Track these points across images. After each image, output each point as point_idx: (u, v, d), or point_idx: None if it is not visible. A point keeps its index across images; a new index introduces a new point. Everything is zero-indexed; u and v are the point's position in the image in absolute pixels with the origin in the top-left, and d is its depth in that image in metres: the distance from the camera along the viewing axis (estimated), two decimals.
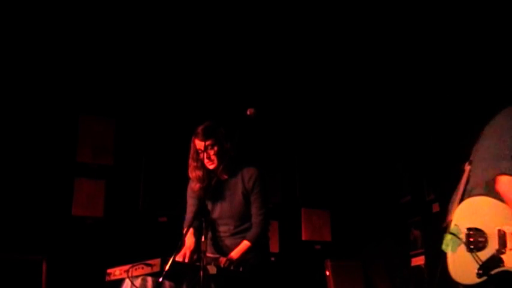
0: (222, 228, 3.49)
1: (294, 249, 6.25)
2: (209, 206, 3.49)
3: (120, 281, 3.14)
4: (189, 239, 3.37)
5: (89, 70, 5.55)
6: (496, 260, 2.65)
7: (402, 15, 5.01)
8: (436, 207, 5.82)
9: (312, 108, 6.33)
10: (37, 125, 5.34)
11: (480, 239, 2.70)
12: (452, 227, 2.82)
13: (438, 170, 5.77)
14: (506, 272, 2.63)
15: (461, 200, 2.90)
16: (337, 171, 6.59)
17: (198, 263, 2.95)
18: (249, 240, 3.37)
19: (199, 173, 3.44)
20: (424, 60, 5.49)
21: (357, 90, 6.12)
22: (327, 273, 6.13)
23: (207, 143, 3.35)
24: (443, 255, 2.87)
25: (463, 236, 2.75)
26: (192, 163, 3.47)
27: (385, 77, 5.89)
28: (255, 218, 3.44)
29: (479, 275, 2.68)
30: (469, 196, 2.86)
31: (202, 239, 2.93)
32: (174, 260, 2.79)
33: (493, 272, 2.65)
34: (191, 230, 3.40)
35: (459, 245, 2.76)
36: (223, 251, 3.43)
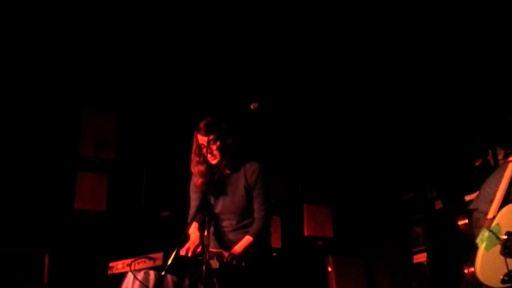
0: (224, 223, 3.49)
1: (296, 245, 6.25)
2: (212, 201, 3.50)
3: (123, 275, 3.14)
4: (194, 233, 3.38)
5: (92, 65, 5.54)
6: None
7: (411, 11, 4.99)
8: (438, 205, 5.83)
9: (315, 104, 6.32)
10: (40, 119, 5.35)
11: None
12: (493, 225, 2.78)
13: (441, 167, 5.78)
14: None
15: (506, 198, 2.86)
16: (340, 167, 6.59)
17: (200, 258, 2.95)
18: (251, 235, 3.37)
19: (201, 167, 3.45)
20: (427, 59, 5.48)
21: (360, 88, 6.11)
22: (329, 269, 6.15)
23: (210, 138, 3.36)
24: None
25: (502, 238, 2.72)
26: (194, 158, 3.48)
27: (388, 75, 5.87)
28: (257, 213, 3.44)
29: (503, 281, 2.65)
30: None
31: (205, 234, 2.94)
32: (176, 254, 2.79)
33: None
34: (195, 225, 3.41)
35: (495, 245, 2.72)
36: (226, 245, 3.43)
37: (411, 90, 5.96)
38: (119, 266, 3.16)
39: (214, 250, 3.36)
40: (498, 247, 2.71)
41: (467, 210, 3.36)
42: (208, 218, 3.04)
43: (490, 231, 2.76)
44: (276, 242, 5.92)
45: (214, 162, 3.41)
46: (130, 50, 5.50)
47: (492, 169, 4.99)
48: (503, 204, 2.91)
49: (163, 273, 2.78)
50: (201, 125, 3.42)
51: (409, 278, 6.09)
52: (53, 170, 5.31)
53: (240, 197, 3.46)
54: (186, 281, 3.07)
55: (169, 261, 2.75)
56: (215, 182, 3.39)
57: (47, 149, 5.32)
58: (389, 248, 6.35)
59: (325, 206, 6.47)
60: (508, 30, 4.71)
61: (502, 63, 4.97)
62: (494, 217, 2.82)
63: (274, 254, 5.68)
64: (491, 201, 3.01)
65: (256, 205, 3.45)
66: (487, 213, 2.97)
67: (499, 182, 3.00)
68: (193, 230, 3.40)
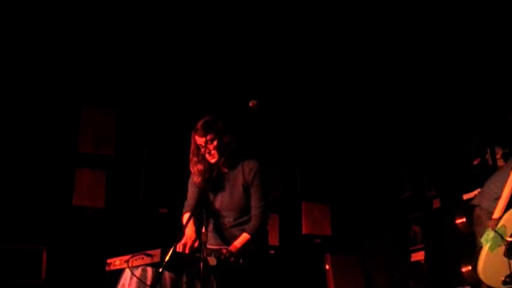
0: (222, 220, 3.50)
1: (294, 242, 6.26)
2: (210, 198, 3.51)
3: (120, 271, 3.15)
4: (189, 229, 3.38)
5: (92, 61, 5.54)
6: None
7: (411, 11, 4.99)
8: (436, 203, 5.83)
9: (314, 102, 6.33)
10: (39, 115, 5.35)
11: None
12: (499, 226, 2.78)
13: (439, 166, 5.79)
14: None
15: None
16: (338, 165, 6.60)
17: (198, 254, 2.96)
18: (248, 233, 3.38)
19: (200, 167, 3.47)
20: (427, 58, 5.48)
21: (359, 86, 6.11)
22: (327, 267, 6.15)
23: (207, 138, 3.38)
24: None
25: (507, 239, 2.72)
26: (192, 158, 3.50)
27: (386, 73, 5.87)
28: (255, 211, 3.45)
29: (504, 282, 2.66)
30: None
31: (203, 230, 2.94)
32: (174, 251, 2.80)
33: None
34: (191, 221, 3.41)
35: (499, 245, 2.72)
36: (223, 242, 3.44)
37: (410, 89, 5.96)
38: (116, 262, 3.16)
39: (211, 247, 3.37)
40: (502, 248, 2.71)
41: (468, 206, 3.34)
42: (206, 215, 3.05)
43: (496, 231, 2.75)
44: (274, 240, 5.93)
45: (213, 161, 3.43)
46: (130, 47, 5.50)
47: (490, 168, 5.00)
48: (509, 206, 2.89)
49: (161, 269, 2.78)
50: (198, 125, 3.44)
51: (407, 276, 6.10)
52: (51, 166, 5.31)
53: (238, 194, 3.47)
54: (184, 278, 3.08)
55: (167, 258, 2.75)
56: (214, 179, 3.40)
57: (46, 145, 5.32)
58: (387, 246, 6.36)
59: (323, 204, 6.48)
60: (507, 30, 4.72)
61: (501, 63, 4.97)
62: (500, 218, 2.81)
63: (272, 252, 5.69)
64: (496, 200, 3.00)
65: (254, 202, 3.46)
66: (490, 211, 2.95)
67: (505, 180, 2.97)
68: (189, 226, 3.40)
